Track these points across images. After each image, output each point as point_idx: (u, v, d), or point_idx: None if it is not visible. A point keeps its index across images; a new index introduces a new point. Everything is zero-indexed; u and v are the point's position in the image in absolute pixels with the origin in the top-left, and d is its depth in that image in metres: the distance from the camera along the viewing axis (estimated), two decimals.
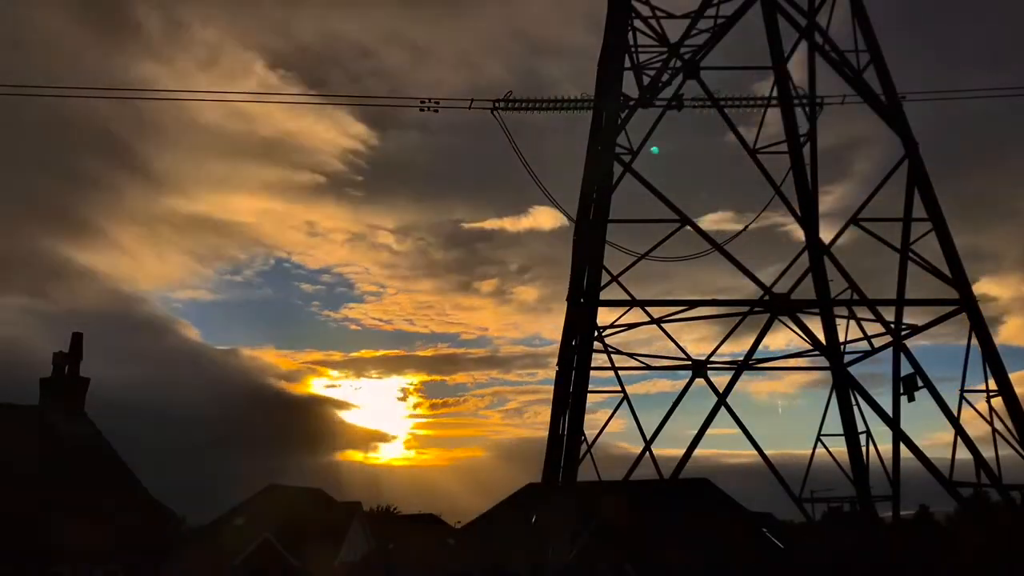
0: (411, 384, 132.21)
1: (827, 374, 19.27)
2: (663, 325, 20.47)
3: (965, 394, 18.99)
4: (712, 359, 20.34)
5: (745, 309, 19.43)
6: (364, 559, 40.82)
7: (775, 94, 20.18)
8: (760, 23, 19.63)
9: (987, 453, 18.29)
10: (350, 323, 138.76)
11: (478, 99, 24.08)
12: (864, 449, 19.21)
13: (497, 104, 23.83)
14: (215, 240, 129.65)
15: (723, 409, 18.13)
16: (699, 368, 19.21)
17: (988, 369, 18.41)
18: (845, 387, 18.12)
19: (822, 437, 20.72)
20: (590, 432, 18.92)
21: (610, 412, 19.72)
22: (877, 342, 20.90)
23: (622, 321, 20.29)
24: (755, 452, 18.60)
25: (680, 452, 18.25)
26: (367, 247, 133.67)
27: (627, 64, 21.60)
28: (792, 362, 21.56)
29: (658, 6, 21.58)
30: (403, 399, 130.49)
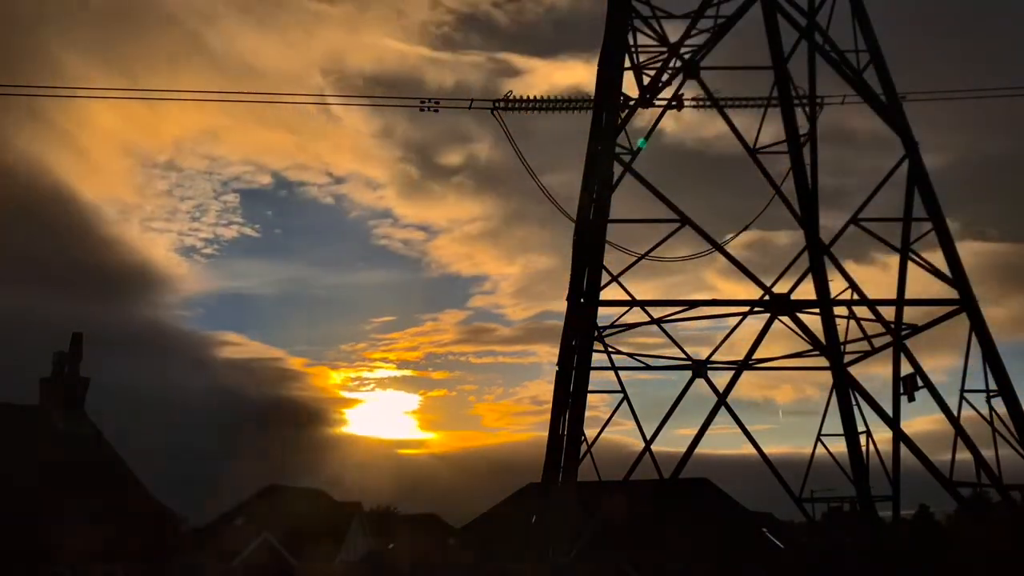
0: None
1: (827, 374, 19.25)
2: (663, 325, 20.48)
3: (965, 394, 18.99)
4: (712, 359, 20.33)
5: (745, 309, 19.44)
6: (364, 559, 40.83)
7: (775, 94, 20.17)
8: (760, 23, 19.64)
9: (987, 453, 18.31)
10: None
11: (478, 99, 24.11)
12: (864, 449, 19.21)
13: (497, 104, 23.82)
14: None
15: (722, 407, 18.15)
16: (699, 368, 19.19)
17: (988, 369, 18.41)
18: (845, 387, 18.12)
19: (822, 437, 20.72)
20: (590, 432, 18.95)
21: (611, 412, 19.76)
22: (877, 342, 20.91)
23: (622, 321, 20.33)
24: (755, 450, 18.62)
25: (682, 449, 18.28)
26: None
27: (627, 64, 21.59)
28: (792, 362, 21.53)
29: (658, 6, 21.58)
30: None
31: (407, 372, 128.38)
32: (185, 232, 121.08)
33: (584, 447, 18.76)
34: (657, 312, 19.95)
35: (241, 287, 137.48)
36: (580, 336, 19.37)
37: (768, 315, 18.70)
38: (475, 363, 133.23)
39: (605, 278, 19.08)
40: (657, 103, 21.66)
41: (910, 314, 20.16)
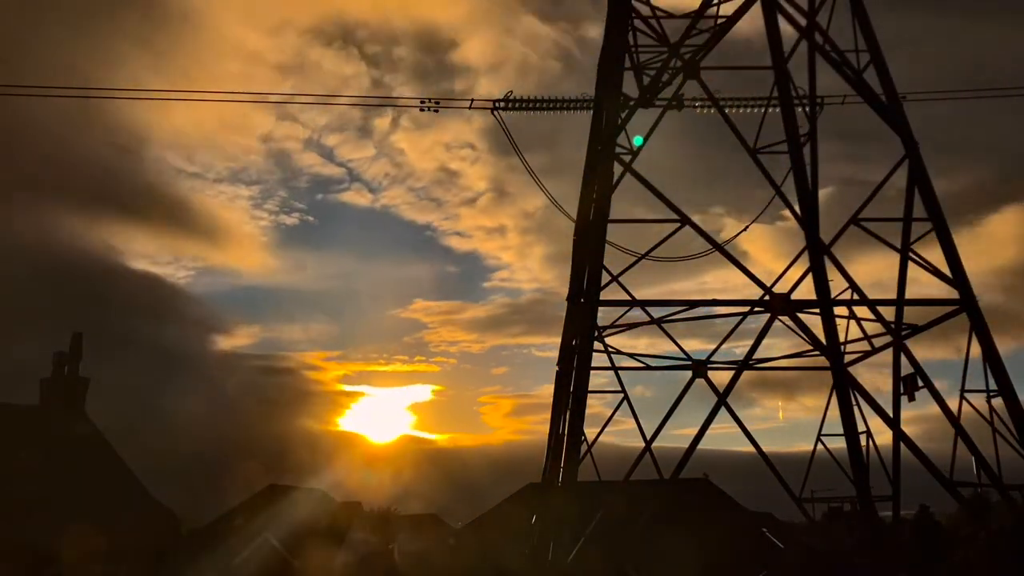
0: None
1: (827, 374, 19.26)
2: (663, 325, 20.49)
3: (965, 394, 18.99)
4: (712, 359, 20.33)
5: (745, 309, 19.43)
6: (364, 559, 40.79)
7: (775, 94, 20.18)
8: (760, 23, 19.66)
9: (987, 453, 18.29)
10: None
11: (479, 99, 24.17)
12: (864, 449, 19.22)
13: (497, 104, 23.87)
14: None
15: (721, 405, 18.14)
16: (699, 368, 19.17)
17: (988, 369, 18.40)
18: (845, 387, 18.11)
19: (822, 437, 20.74)
20: (590, 432, 18.97)
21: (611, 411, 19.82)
22: (877, 342, 20.91)
23: (622, 321, 20.35)
24: (755, 448, 18.60)
25: (681, 446, 18.28)
26: None
27: (627, 64, 21.59)
28: (792, 362, 21.54)
29: (658, 6, 21.58)
30: None
31: (468, 366, 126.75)
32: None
33: (584, 447, 18.77)
34: (657, 312, 19.98)
35: (297, 278, 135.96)
36: (580, 336, 19.36)
37: (768, 315, 18.69)
38: (538, 356, 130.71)
39: (605, 278, 19.08)
40: (657, 103, 21.67)
41: (910, 314, 20.16)
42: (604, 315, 19.51)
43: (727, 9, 20.59)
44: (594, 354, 18.98)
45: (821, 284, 18.33)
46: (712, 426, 17.89)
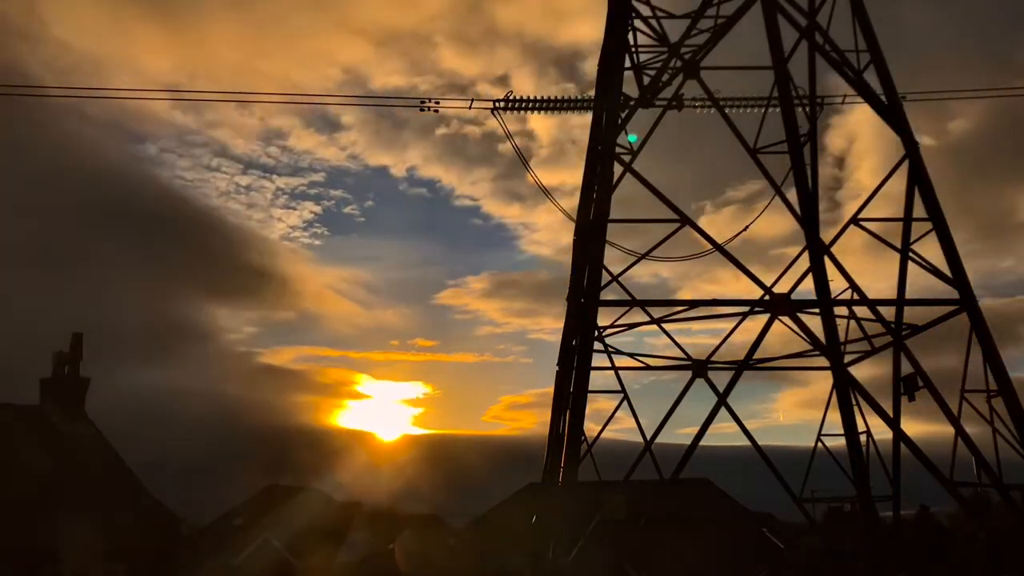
0: None
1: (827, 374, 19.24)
2: (663, 325, 20.49)
3: (965, 394, 18.99)
4: (712, 359, 20.31)
5: (745, 309, 19.43)
6: (364, 559, 40.81)
7: (775, 94, 20.16)
8: (760, 23, 19.63)
9: (987, 453, 18.30)
10: None
11: (479, 99, 24.14)
12: (864, 449, 19.21)
13: (497, 104, 23.84)
14: None
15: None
16: (699, 368, 19.17)
17: (988, 369, 18.40)
18: (845, 387, 18.11)
19: (823, 437, 20.74)
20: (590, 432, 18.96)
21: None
22: (877, 342, 20.90)
23: (622, 321, 20.35)
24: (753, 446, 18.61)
25: (682, 443, 18.27)
26: None
27: (627, 64, 21.59)
28: (792, 362, 21.52)
29: (658, 6, 21.56)
30: None
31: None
32: None
33: (584, 447, 18.78)
34: (657, 312, 19.98)
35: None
36: (580, 336, 19.36)
37: (768, 315, 18.69)
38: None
39: (605, 278, 19.08)
40: (657, 103, 21.67)
41: (910, 314, 20.17)
42: (604, 315, 19.52)
43: (727, 9, 20.61)
44: (594, 354, 18.99)
45: (821, 284, 18.31)
46: (712, 425, 17.93)
